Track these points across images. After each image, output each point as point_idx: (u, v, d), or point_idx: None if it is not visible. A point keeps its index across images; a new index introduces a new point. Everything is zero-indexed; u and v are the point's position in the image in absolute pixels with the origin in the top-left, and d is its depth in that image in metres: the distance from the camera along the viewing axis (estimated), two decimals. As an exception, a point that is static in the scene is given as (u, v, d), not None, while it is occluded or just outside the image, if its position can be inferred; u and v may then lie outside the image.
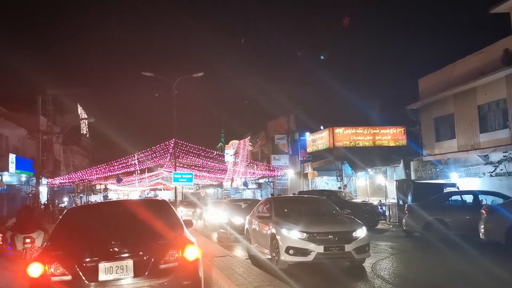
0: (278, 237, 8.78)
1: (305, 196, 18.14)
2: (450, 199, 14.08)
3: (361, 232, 8.76)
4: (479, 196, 13.53)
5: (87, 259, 5.07)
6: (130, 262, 5.11)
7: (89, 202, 31.96)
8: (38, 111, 26.46)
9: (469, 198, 14.32)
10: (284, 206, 10.64)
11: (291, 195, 25.10)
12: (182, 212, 26.12)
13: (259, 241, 10.18)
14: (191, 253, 5.37)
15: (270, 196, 26.48)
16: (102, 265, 5.05)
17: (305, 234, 8.50)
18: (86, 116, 44.94)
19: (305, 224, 8.78)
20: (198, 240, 6.14)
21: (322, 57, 35.11)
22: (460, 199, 14.26)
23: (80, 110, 50.19)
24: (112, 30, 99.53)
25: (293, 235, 8.58)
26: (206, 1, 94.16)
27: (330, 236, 8.47)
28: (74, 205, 28.94)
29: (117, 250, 5.14)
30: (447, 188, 15.94)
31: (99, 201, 30.41)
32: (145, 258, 5.15)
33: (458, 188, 15.56)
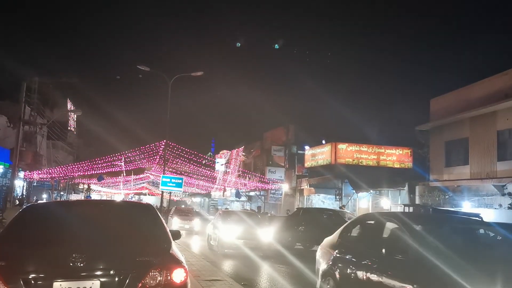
0: None
1: None
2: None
3: None
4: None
5: (37, 275, 3.86)
6: (96, 283, 3.98)
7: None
8: (22, 98, 24.44)
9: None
10: None
11: None
12: (174, 225, 23.07)
13: None
14: (178, 275, 4.25)
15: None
16: (58, 285, 3.89)
17: None
18: (73, 108, 42.99)
19: None
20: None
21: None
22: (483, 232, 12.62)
23: (69, 105, 48.29)
24: (106, 24, 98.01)
25: None
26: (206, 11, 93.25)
27: None
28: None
29: (80, 266, 3.97)
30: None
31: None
32: (117, 279, 4.01)
33: (482, 218, 13.85)
